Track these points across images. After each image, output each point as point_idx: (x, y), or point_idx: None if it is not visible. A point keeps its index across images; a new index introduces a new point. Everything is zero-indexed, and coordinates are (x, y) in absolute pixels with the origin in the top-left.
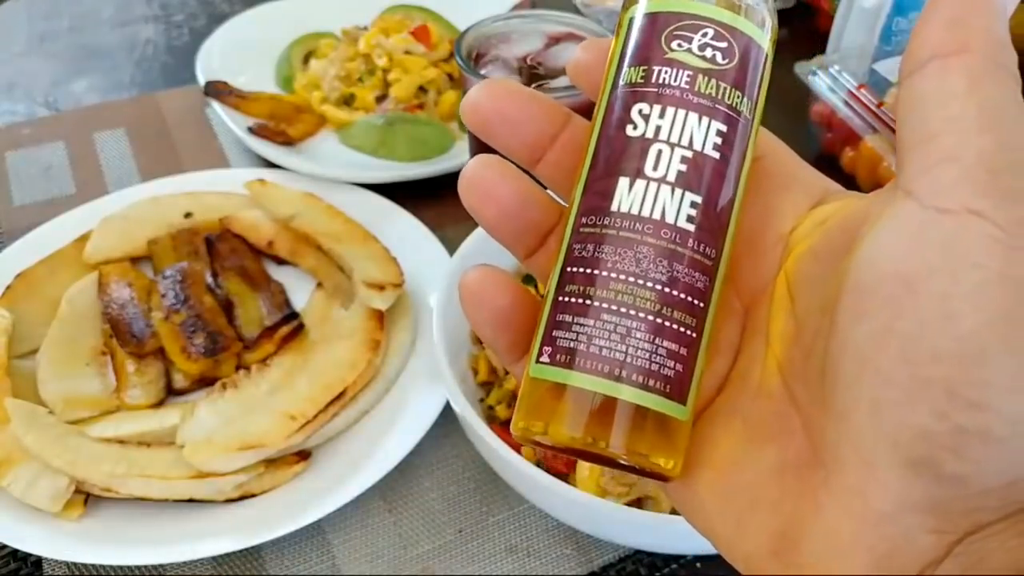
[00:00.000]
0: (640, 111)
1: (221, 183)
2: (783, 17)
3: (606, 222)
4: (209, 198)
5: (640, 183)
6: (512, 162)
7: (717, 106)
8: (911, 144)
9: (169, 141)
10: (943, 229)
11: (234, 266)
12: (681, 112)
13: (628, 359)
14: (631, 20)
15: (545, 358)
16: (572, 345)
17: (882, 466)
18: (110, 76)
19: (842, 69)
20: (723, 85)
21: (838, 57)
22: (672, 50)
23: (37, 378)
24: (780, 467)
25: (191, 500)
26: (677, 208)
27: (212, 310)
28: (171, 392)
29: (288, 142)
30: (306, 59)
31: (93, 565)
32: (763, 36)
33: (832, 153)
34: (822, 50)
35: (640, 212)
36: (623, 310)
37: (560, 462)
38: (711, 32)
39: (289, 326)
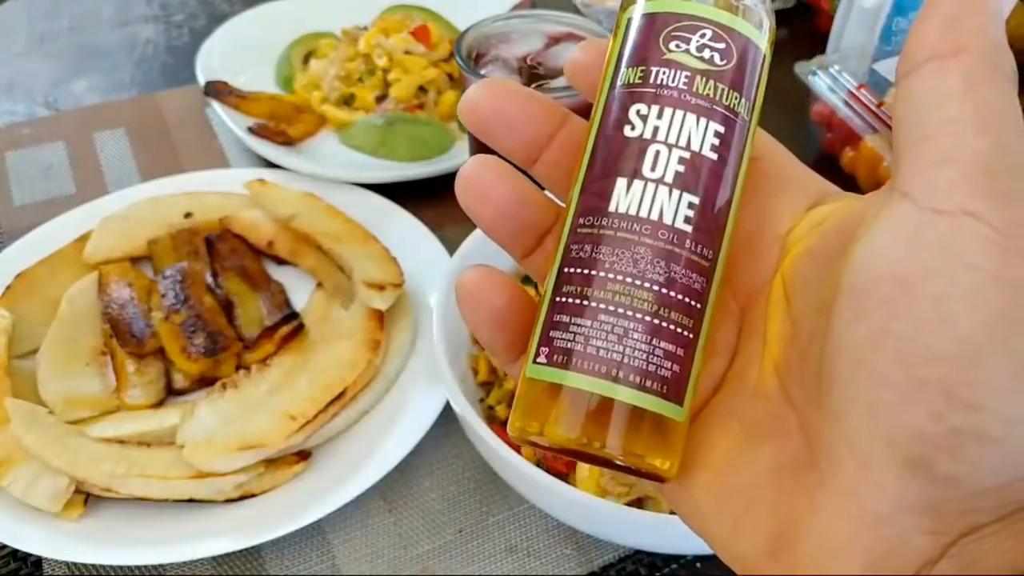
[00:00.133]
0: (638, 111)
1: (221, 183)
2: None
3: (604, 223)
4: (209, 198)
5: (638, 184)
6: (510, 162)
7: (715, 107)
8: (907, 145)
9: (169, 141)
10: (939, 230)
11: (234, 266)
12: (679, 113)
13: (625, 360)
14: (629, 20)
15: (542, 358)
16: (569, 346)
17: (878, 467)
18: (110, 76)
19: (842, 69)
20: (721, 86)
21: (838, 57)
22: (670, 51)
23: (37, 378)
24: (776, 468)
25: (191, 500)
26: (675, 209)
27: (212, 310)
28: (171, 392)
29: (288, 142)
30: (306, 59)
31: (93, 565)
32: (761, 37)
33: (832, 153)
34: (822, 50)
35: (638, 213)
36: (620, 311)
37: (560, 462)
38: (709, 33)
39: (289, 326)
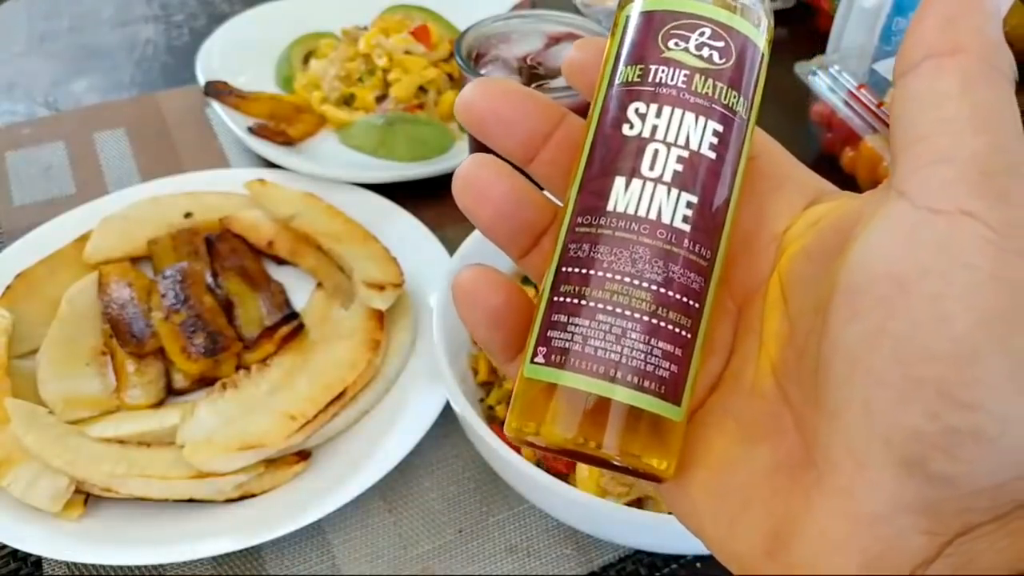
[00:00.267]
0: (637, 110)
1: (221, 183)
2: (783, 17)
3: (602, 222)
4: (209, 198)
5: (636, 183)
6: (507, 161)
7: (714, 106)
8: (904, 144)
9: (169, 141)
10: (936, 230)
11: (234, 266)
12: (678, 112)
13: (623, 360)
14: (627, 18)
15: (540, 358)
16: (567, 345)
17: (874, 466)
18: (110, 76)
19: (842, 69)
20: (720, 85)
21: (838, 57)
22: (669, 49)
23: (37, 378)
24: (773, 467)
25: (191, 500)
26: (673, 208)
27: (212, 310)
28: (171, 392)
29: (288, 142)
30: (306, 59)
31: (93, 565)
32: (759, 36)
33: (832, 153)
34: (822, 50)
35: (636, 212)
36: (619, 310)
37: (560, 462)
38: (708, 31)
39: (289, 326)
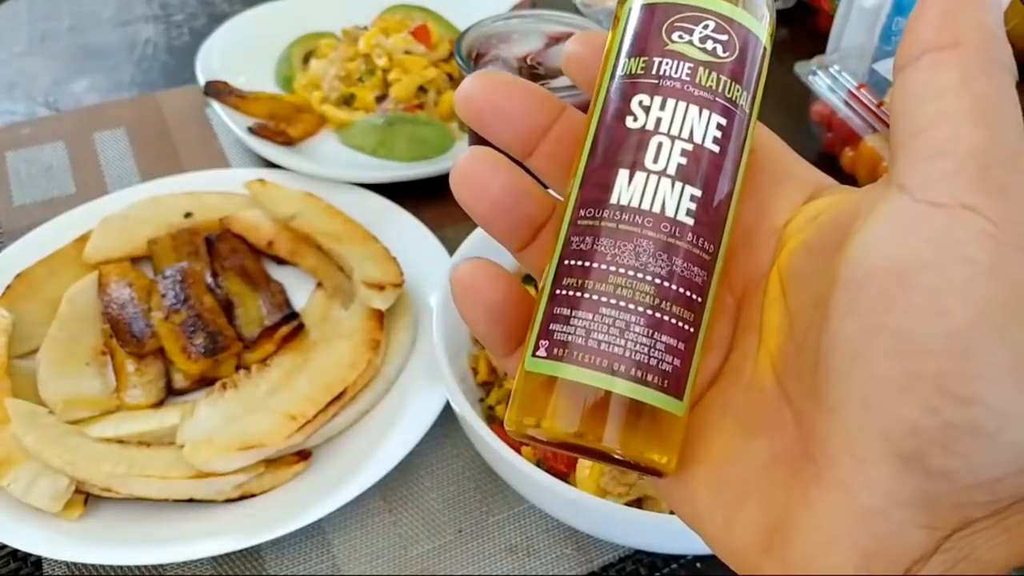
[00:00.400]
0: (640, 102)
1: (221, 183)
2: (783, 17)
3: (605, 215)
4: (209, 198)
5: (640, 175)
6: (506, 154)
7: (717, 99)
8: (904, 138)
9: (169, 141)
10: (935, 223)
11: (234, 266)
12: (682, 104)
13: (626, 353)
14: (629, 11)
15: (542, 352)
16: (570, 339)
17: (872, 461)
18: (110, 76)
19: (842, 69)
20: (723, 78)
21: (838, 57)
22: (673, 42)
23: (37, 378)
24: (771, 461)
25: (191, 500)
26: (677, 201)
27: (212, 310)
28: (171, 392)
29: (288, 142)
30: (306, 59)
31: (93, 565)
32: (762, 29)
33: (832, 153)
34: (822, 50)
35: (640, 205)
36: (622, 304)
37: (560, 462)
38: (712, 24)
39: (289, 326)
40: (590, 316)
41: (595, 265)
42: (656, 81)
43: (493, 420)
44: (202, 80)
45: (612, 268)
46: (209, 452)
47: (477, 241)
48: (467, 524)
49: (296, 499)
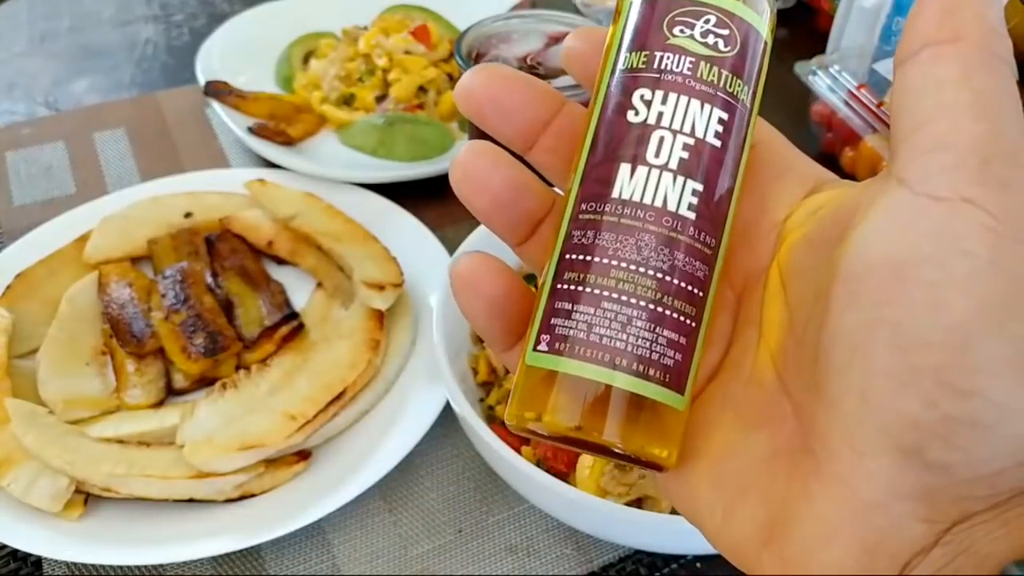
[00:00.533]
0: (642, 96)
1: (221, 183)
2: (783, 17)
3: (606, 209)
4: (209, 198)
5: (641, 170)
6: (507, 148)
7: (719, 94)
8: (904, 132)
9: (169, 141)
10: (935, 217)
11: (234, 266)
12: (683, 99)
13: (628, 348)
14: (630, 5)
15: (543, 346)
16: (571, 333)
17: (872, 454)
18: (110, 76)
19: (842, 69)
20: (725, 72)
21: (838, 57)
22: (674, 36)
23: (37, 378)
24: (771, 454)
25: (191, 500)
26: (679, 196)
27: (212, 310)
28: (171, 392)
29: (288, 142)
30: (306, 59)
31: (93, 565)
32: (763, 24)
33: (832, 153)
34: (822, 50)
35: (641, 199)
36: (623, 298)
37: (560, 462)
38: (713, 19)
39: (289, 326)
40: (591, 310)
41: (596, 259)
42: (657, 75)
43: (493, 420)
44: (202, 80)
45: (614, 262)
46: (209, 452)
47: (477, 241)
48: (467, 524)
49: (296, 499)
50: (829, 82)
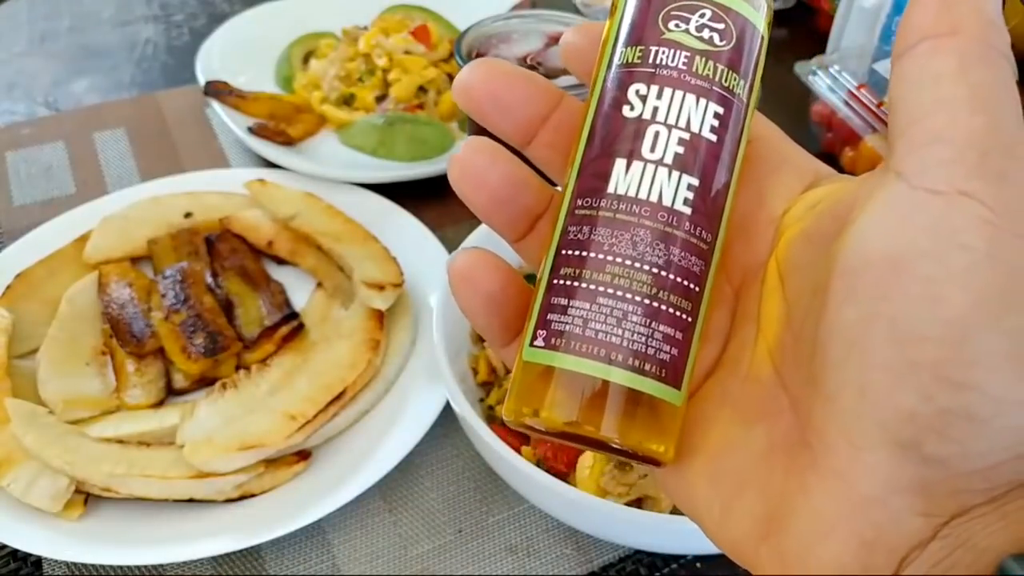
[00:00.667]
0: (637, 91)
1: (221, 183)
2: (783, 17)
3: (602, 204)
4: (209, 198)
5: (637, 165)
6: (504, 144)
7: (714, 88)
8: (902, 125)
9: (169, 141)
10: (932, 211)
11: (234, 266)
12: (679, 93)
13: (624, 343)
14: (626, 0)
15: (539, 342)
16: (567, 328)
17: (869, 449)
18: (110, 76)
19: (842, 69)
20: (720, 67)
21: (838, 57)
22: (670, 30)
23: (37, 378)
24: (768, 449)
25: (191, 500)
26: (674, 191)
27: (212, 310)
28: (171, 392)
29: (288, 142)
30: (306, 59)
31: (93, 565)
32: (759, 18)
33: (832, 153)
34: (822, 50)
35: (637, 194)
36: (619, 293)
37: (560, 462)
38: (709, 13)
39: (289, 326)
40: (587, 306)
41: (592, 255)
42: (653, 70)
43: (493, 420)
44: (202, 80)
45: (609, 257)
46: (209, 452)
47: (477, 241)
48: (467, 524)
49: (296, 499)
50: (829, 82)
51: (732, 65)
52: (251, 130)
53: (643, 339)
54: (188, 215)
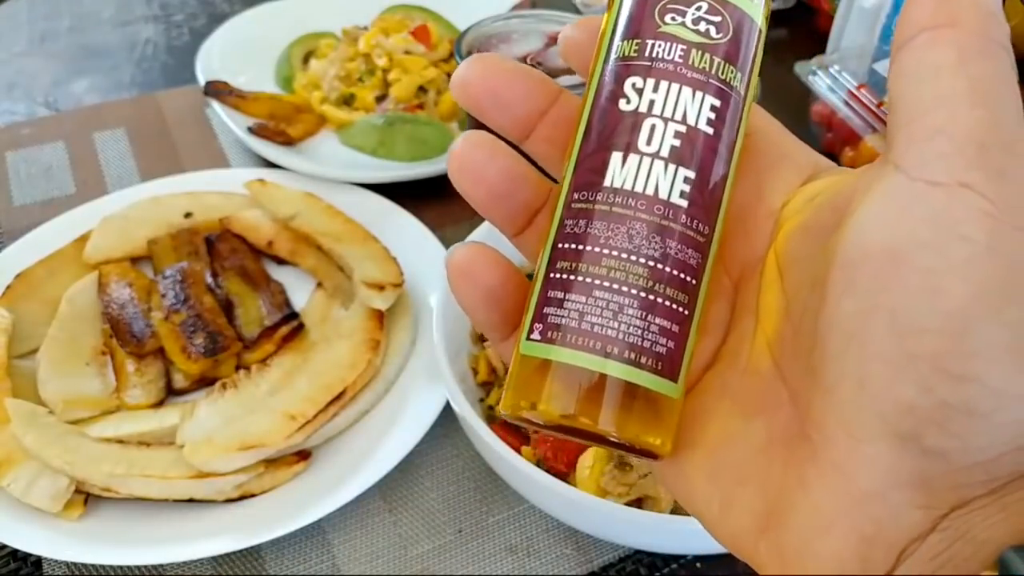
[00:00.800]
0: (633, 85)
1: (221, 183)
2: (783, 17)
3: (598, 197)
4: (209, 198)
5: (633, 158)
6: (503, 138)
7: (711, 81)
8: (901, 119)
9: (169, 141)
10: (932, 202)
11: (234, 266)
12: (675, 86)
13: (620, 336)
14: None
15: (536, 335)
16: (563, 322)
17: (869, 440)
18: (110, 76)
19: (842, 69)
20: (717, 60)
21: (838, 57)
22: (666, 24)
23: (37, 378)
24: (767, 442)
25: (191, 500)
26: (670, 184)
27: (212, 310)
28: (171, 392)
29: (288, 142)
30: (306, 59)
31: (93, 565)
32: (756, 11)
33: (832, 153)
34: (822, 50)
35: (633, 187)
36: (615, 286)
37: (560, 462)
38: (705, 6)
39: (289, 326)
40: (583, 299)
41: (588, 248)
42: (649, 63)
43: (493, 420)
44: (202, 80)
45: (605, 251)
46: (209, 452)
47: (476, 239)
48: (467, 524)
49: (296, 499)
50: (829, 82)
51: (729, 58)
52: (251, 130)
53: (639, 332)
54: (188, 215)
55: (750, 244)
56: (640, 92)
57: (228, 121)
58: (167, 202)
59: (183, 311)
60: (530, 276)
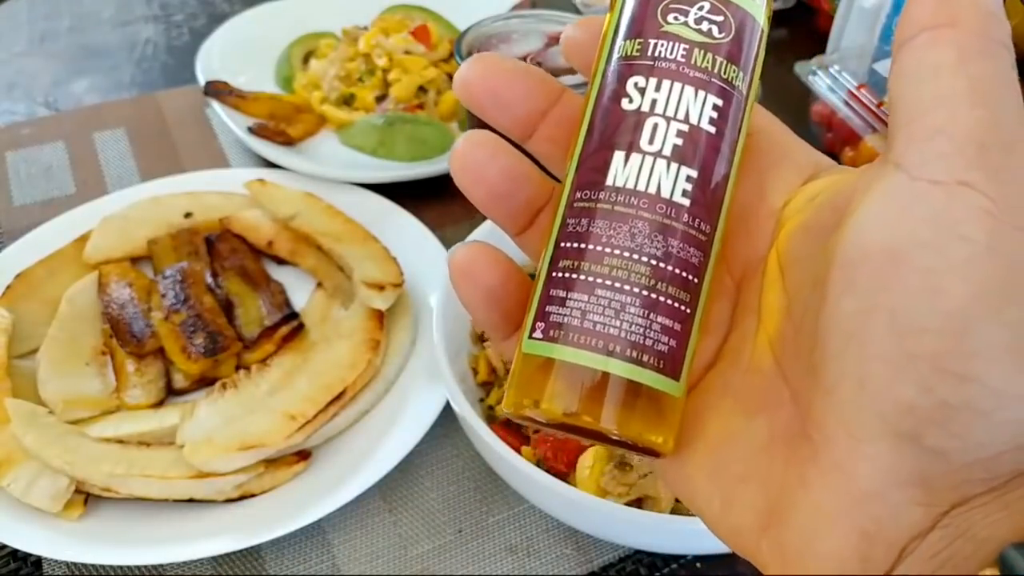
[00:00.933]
0: (636, 84)
1: (221, 183)
2: (783, 17)
3: (601, 196)
4: (209, 198)
5: (635, 157)
6: (506, 137)
7: (713, 80)
8: (901, 117)
9: (169, 141)
10: (932, 202)
11: (234, 266)
12: (677, 85)
13: (622, 334)
14: None
15: (538, 334)
16: (566, 320)
17: (869, 440)
18: (110, 76)
19: (842, 69)
20: (719, 59)
21: (838, 57)
22: (668, 23)
23: (37, 378)
24: (768, 441)
25: (191, 500)
26: (672, 183)
27: (212, 310)
28: (171, 392)
29: (288, 142)
30: (306, 59)
31: (93, 565)
32: (759, 11)
33: (832, 153)
34: (822, 50)
35: (635, 186)
36: (617, 285)
37: (560, 462)
38: (707, 5)
39: (289, 326)
40: (586, 297)
41: (591, 247)
42: (651, 63)
43: (493, 420)
44: (202, 80)
45: (608, 249)
46: (209, 452)
47: (478, 239)
48: (467, 524)
49: (296, 499)
50: (829, 82)
51: (731, 57)
52: (251, 130)
53: (641, 330)
54: (188, 215)
55: (752, 243)
56: (642, 91)
57: (228, 121)
58: (167, 202)
59: (183, 311)
60: (532, 275)
